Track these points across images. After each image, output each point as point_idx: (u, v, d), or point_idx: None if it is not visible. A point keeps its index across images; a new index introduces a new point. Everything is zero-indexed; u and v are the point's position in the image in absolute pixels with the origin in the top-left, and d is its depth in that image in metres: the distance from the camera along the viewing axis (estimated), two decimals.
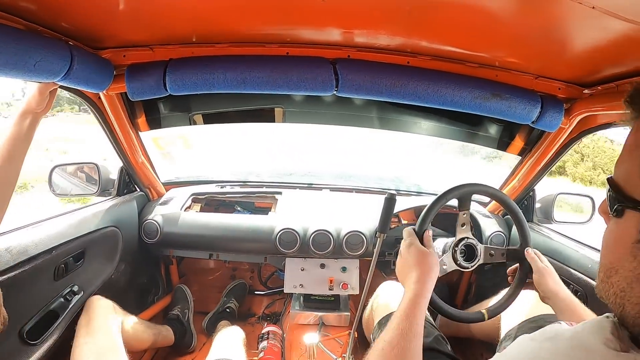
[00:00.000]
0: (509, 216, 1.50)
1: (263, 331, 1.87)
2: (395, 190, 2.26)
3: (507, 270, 1.22)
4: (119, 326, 1.35)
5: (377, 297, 1.55)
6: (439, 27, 1.07)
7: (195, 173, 2.60)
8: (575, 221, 1.86)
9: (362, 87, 1.27)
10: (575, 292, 1.39)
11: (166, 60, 1.25)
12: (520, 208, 1.30)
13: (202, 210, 2.09)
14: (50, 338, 1.21)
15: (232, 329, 1.62)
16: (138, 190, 1.92)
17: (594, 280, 1.33)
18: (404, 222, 2.12)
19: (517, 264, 1.19)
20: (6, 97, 13.89)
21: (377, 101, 1.63)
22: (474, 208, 1.98)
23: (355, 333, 1.44)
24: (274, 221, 1.83)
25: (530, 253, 1.15)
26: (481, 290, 2.05)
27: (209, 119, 1.73)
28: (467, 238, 1.16)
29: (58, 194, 1.70)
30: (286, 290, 1.86)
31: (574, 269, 1.42)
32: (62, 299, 1.28)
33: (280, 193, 2.13)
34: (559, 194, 1.84)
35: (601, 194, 0.59)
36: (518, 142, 1.72)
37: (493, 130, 1.73)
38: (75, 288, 1.34)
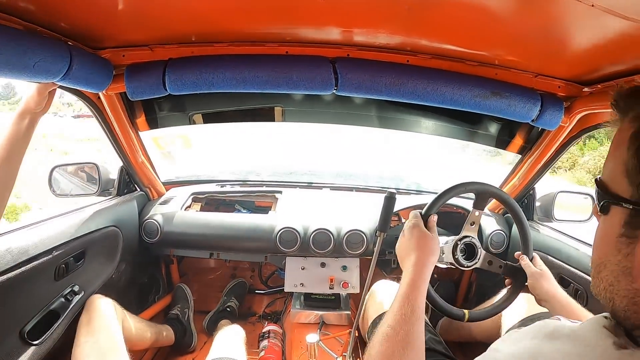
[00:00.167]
0: (509, 215, 1.49)
1: (264, 330, 1.87)
2: (395, 189, 2.26)
3: (505, 282, 1.22)
4: (120, 325, 1.35)
5: (371, 295, 1.55)
6: (438, 25, 1.07)
7: (195, 172, 2.60)
8: (575, 219, 1.86)
9: (362, 85, 1.27)
10: (575, 291, 1.39)
11: (165, 60, 1.25)
12: (520, 206, 1.30)
13: (202, 209, 2.09)
14: (51, 338, 1.20)
15: (232, 328, 1.62)
16: (138, 189, 1.92)
17: None
18: (404, 220, 2.12)
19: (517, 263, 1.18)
20: (70, 98, 14.02)
21: (377, 100, 1.63)
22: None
23: (356, 332, 1.44)
24: (274, 220, 1.83)
25: (524, 259, 1.15)
26: (482, 290, 2.05)
27: (208, 119, 1.74)
28: (472, 237, 1.16)
29: (58, 194, 1.70)
30: (287, 289, 1.86)
31: (574, 268, 1.42)
32: (62, 299, 1.28)
33: (280, 192, 2.14)
34: (559, 192, 1.84)
35: None
36: (518, 141, 1.72)
37: (493, 128, 1.73)
38: (76, 288, 1.34)
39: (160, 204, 1.93)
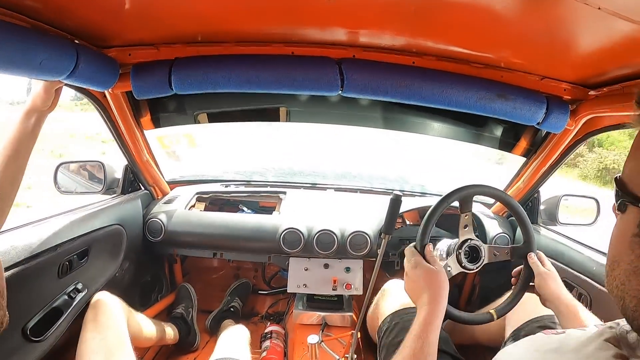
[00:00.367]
0: (513, 218, 1.48)
1: (266, 330, 1.87)
2: (400, 190, 2.25)
3: (512, 272, 1.21)
4: (126, 322, 1.35)
5: (383, 294, 1.54)
6: (444, 27, 1.06)
7: (199, 172, 2.61)
8: (580, 223, 1.84)
9: (368, 87, 1.26)
10: (579, 295, 1.38)
11: (172, 59, 1.25)
12: (525, 210, 1.29)
13: (206, 209, 2.09)
14: (53, 335, 1.21)
15: (237, 328, 1.62)
16: (142, 188, 1.92)
17: (598, 283, 1.32)
18: (408, 222, 2.11)
19: (521, 265, 1.18)
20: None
21: (382, 101, 1.62)
22: (478, 209, 1.97)
23: (359, 333, 1.44)
24: (278, 221, 1.83)
25: (532, 257, 1.14)
26: (485, 292, 2.04)
27: (213, 118, 1.74)
28: (470, 239, 1.15)
29: (63, 191, 1.71)
30: (290, 290, 1.86)
31: (578, 272, 1.41)
32: (66, 297, 1.29)
33: (284, 193, 2.14)
34: (564, 196, 1.82)
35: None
36: (523, 144, 1.71)
37: (498, 131, 1.72)
38: (80, 286, 1.34)
39: (165, 203, 1.93)
